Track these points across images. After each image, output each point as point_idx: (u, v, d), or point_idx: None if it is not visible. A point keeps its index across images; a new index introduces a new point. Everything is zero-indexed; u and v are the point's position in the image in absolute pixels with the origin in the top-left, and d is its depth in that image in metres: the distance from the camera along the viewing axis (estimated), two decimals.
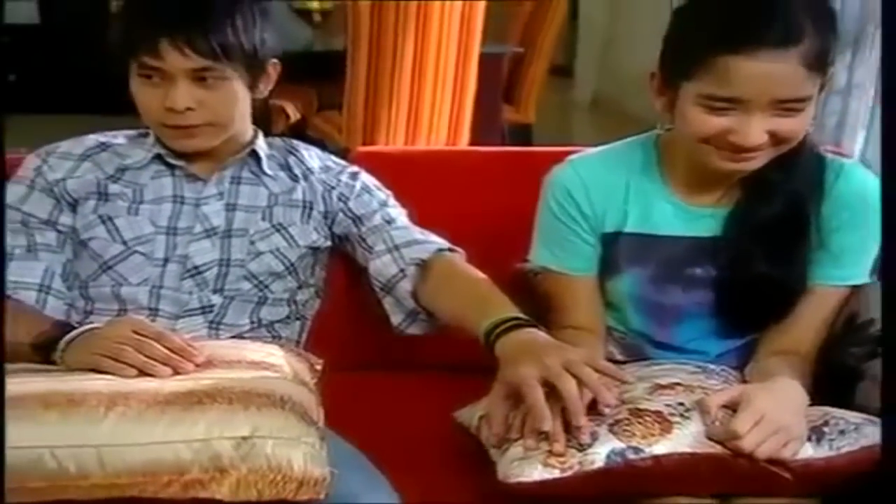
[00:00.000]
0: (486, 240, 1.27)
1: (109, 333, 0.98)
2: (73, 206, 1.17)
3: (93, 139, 1.23)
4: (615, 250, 1.12)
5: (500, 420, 0.93)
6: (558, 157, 1.18)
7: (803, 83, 0.94)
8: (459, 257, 1.19)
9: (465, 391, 1.08)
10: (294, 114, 3.15)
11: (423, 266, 1.16)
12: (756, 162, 1.00)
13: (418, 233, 1.21)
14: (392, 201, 1.27)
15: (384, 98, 2.76)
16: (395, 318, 1.19)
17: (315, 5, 3.50)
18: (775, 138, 0.97)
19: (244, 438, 0.83)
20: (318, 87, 3.13)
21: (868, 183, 1.09)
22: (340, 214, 1.24)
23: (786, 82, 0.94)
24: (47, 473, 0.82)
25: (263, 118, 1.27)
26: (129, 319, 1.03)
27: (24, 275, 1.13)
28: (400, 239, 1.19)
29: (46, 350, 1.01)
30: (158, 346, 0.95)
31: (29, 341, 1.02)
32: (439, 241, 1.20)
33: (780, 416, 0.89)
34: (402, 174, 1.38)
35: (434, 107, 2.83)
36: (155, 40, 1.07)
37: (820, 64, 0.95)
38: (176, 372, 0.94)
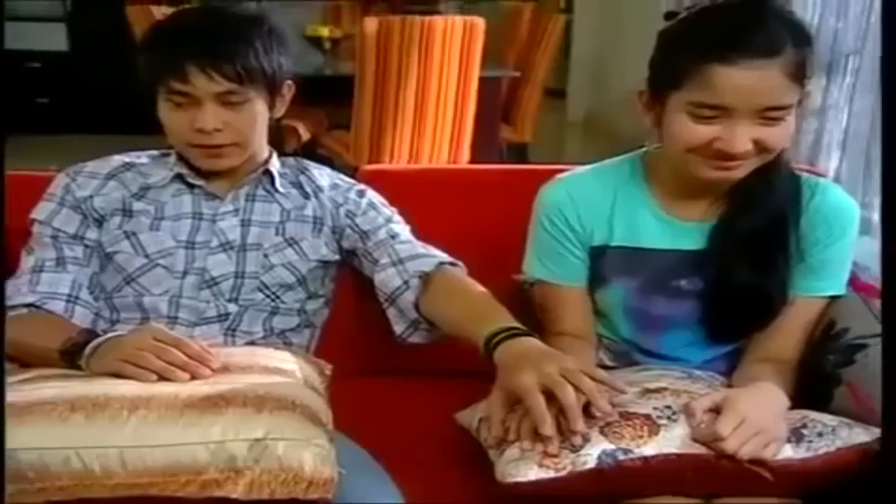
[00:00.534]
0: (484, 252, 1.27)
1: (131, 341, 0.97)
2: (100, 221, 1.18)
3: (118, 159, 1.24)
4: (603, 263, 1.12)
5: (498, 423, 0.93)
6: (553, 175, 1.18)
7: (785, 92, 0.95)
8: (460, 270, 1.19)
9: (464, 395, 1.08)
10: (305, 133, 3.17)
11: (426, 279, 1.15)
12: (740, 171, 0.99)
13: (421, 247, 1.21)
14: (397, 217, 1.27)
15: (389, 119, 2.77)
16: (399, 328, 1.18)
17: (325, 33, 3.53)
18: (759, 146, 0.97)
19: (257, 440, 0.83)
20: (328, 109, 3.15)
21: (843, 200, 1.09)
22: (348, 230, 1.24)
23: (768, 90, 0.94)
24: (74, 473, 0.82)
25: (274, 138, 1.28)
26: (150, 327, 1.03)
27: (53, 286, 1.13)
28: (404, 253, 1.19)
29: (73, 356, 1.00)
30: (177, 353, 0.95)
31: (57, 348, 1.02)
32: (441, 255, 1.19)
33: (761, 419, 0.89)
34: (406, 191, 1.38)
35: (436, 127, 2.85)
36: (183, 66, 1.07)
37: (799, 74, 0.96)
38: (194, 377, 0.94)
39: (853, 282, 1.12)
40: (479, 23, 2.77)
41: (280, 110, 1.21)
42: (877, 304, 1.08)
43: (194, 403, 0.87)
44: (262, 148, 1.22)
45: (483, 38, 2.77)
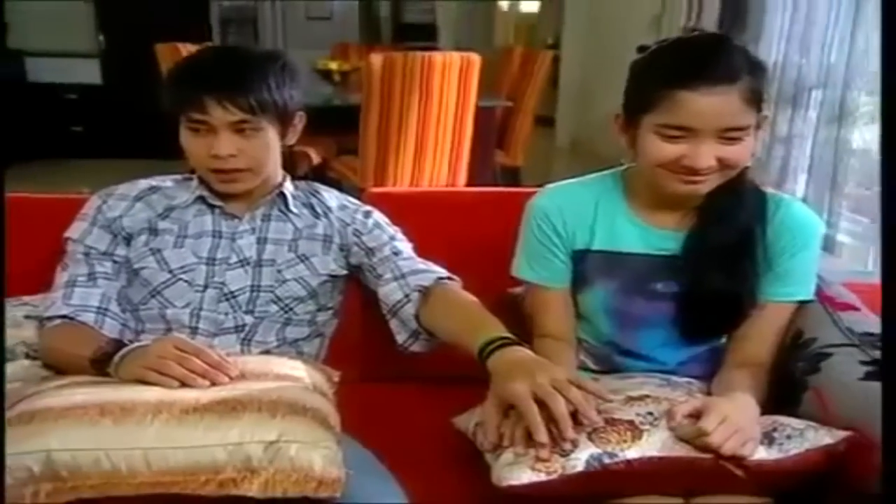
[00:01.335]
0: (480, 267, 1.26)
1: (155, 350, 0.97)
2: (128, 239, 1.18)
3: (145, 183, 1.24)
4: (585, 266, 1.12)
5: (493, 429, 0.92)
6: None
7: (742, 115, 0.97)
8: (456, 285, 1.18)
9: (461, 399, 1.07)
10: (316, 158, 3.17)
11: (425, 292, 1.15)
12: (705, 186, 1.01)
13: (421, 263, 1.21)
14: (400, 236, 1.27)
15: (393, 145, 2.78)
16: (400, 337, 1.18)
17: (335, 67, 3.54)
18: (722, 163, 0.99)
19: (272, 443, 0.83)
20: (337, 136, 3.16)
21: (805, 214, 1.11)
22: (355, 247, 1.24)
23: (728, 113, 0.96)
24: (103, 472, 0.81)
25: (288, 163, 1.28)
26: (173, 338, 1.03)
27: (85, 300, 1.13)
28: (405, 268, 1.19)
29: (102, 364, 1.00)
30: (198, 361, 0.94)
31: (88, 356, 1.02)
32: (439, 271, 1.19)
33: (740, 420, 0.89)
34: (408, 211, 1.37)
35: (436, 152, 2.85)
36: (201, 98, 1.08)
37: (755, 100, 0.98)
38: (213, 383, 0.94)
39: (819, 295, 1.12)
40: (475, 58, 2.78)
41: (292, 139, 1.21)
42: (841, 316, 1.09)
43: (213, 408, 0.87)
44: (275, 172, 1.22)
45: (478, 71, 2.78)
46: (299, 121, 1.21)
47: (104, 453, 0.81)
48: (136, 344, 1.02)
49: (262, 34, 5.26)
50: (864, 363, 0.98)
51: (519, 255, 1.17)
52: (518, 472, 0.87)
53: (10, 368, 1.13)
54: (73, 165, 4.83)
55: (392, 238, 1.25)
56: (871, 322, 1.07)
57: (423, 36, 5.59)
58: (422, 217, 1.38)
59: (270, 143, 1.15)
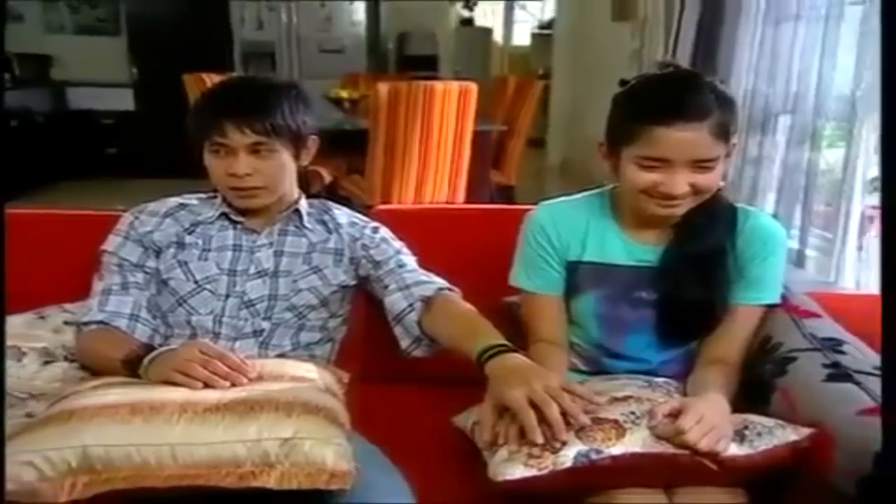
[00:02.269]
0: (477, 277, 1.26)
1: (182, 353, 0.97)
2: (158, 252, 1.18)
3: (174, 200, 1.24)
4: (577, 276, 1.12)
5: (489, 428, 0.92)
6: None
7: (712, 147, 0.98)
8: (457, 295, 1.18)
9: (461, 400, 1.07)
10: (328, 177, 3.17)
11: (427, 302, 1.15)
12: (681, 209, 1.03)
13: (424, 275, 1.20)
14: (405, 250, 1.26)
15: (398, 165, 2.78)
16: (404, 343, 1.18)
17: (345, 94, 3.55)
18: (694, 188, 1.01)
19: (287, 439, 0.83)
20: (346, 157, 3.16)
21: (771, 224, 1.12)
22: (363, 260, 1.24)
23: (699, 146, 0.98)
24: (134, 465, 0.81)
25: (302, 182, 1.28)
26: (198, 342, 1.03)
27: (118, 307, 1.13)
28: (410, 280, 1.19)
29: (133, 366, 1.00)
30: (220, 364, 0.95)
31: (120, 358, 1.02)
32: (441, 282, 1.19)
33: (714, 419, 0.89)
34: (412, 226, 1.37)
35: (437, 172, 2.85)
36: (222, 123, 1.09)
37: (724, 134, 1.00)
38: (233, 385, 0.94)
39: (785, 304, 1.12)
40: (472, 87, 2.79)
41: (305, 160, 1.21)
42: (805, 323, 1.09)
43: (234, 407, 0.87)
44: (291, 191, 1.22)
45: (475, 99, 2.79)
46: (312, 144, 1.21)
47: (135, 448, 0.81)
48: (164, 348, 1.03)
49: (280, 65, 5.28)
50: (825, 366, 0.98)
51: (517, 265, 1.17)
52: (512, 468, 0.87)
53: (52, 370, 1.13)
54: (108, 184, 4.83)
55: (398, 252, 1.25)
56: (832, 328, 1.07)
57: (425, 66, 5.61)
58: (424, 231, 1.37)
59: (285, 163, 1.15)
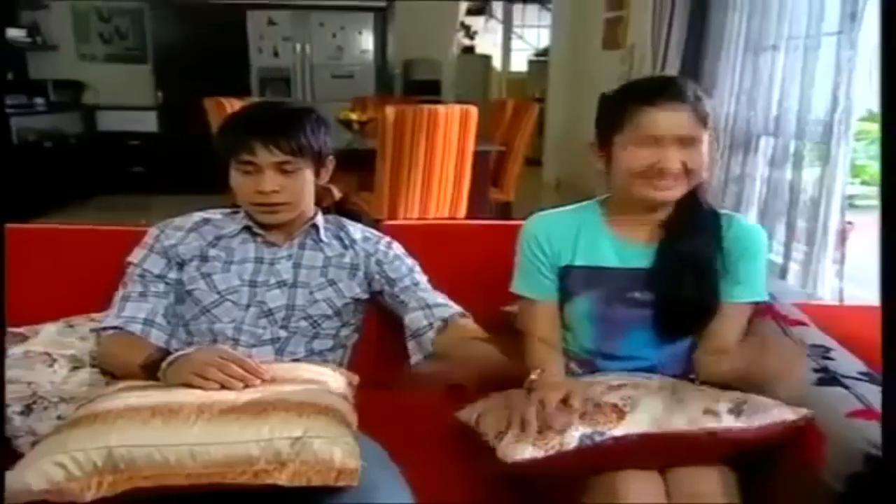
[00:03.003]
0: (477, 287, 1.26)
1: (199, 357, 0.97)
2: (181, 265, 1.18)
3: (198, 216, 1.24)
4: (570, 280, 1.11)
5: (499, 418, 0.94)
6: None
7: (695, 127, 1.02)
8: (470, 320, 1.18)
9: (462, 403, 1.07)
10: (338, 193, 3.16)
11: (445, 322, 1.15)
12: (673, 192, 1.04)
13: (440, 296, 1.20)
14: (417, 268, 1.25)
15: (403, 183, 2.78)
16: (415, 358, 1.16)
17: (354, 117, 3.56)
18: (685, 167, 1.02)
19: (298, 438, 0.82)
20: (356, 175, 3.16)
21: (752, 227, 1.13)
22: (377, 276, 1.23)
23: (684, 124, 1.01)
24: (155, 464, 0.81)
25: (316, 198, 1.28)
26: (216, 347, 1.03)
27: (134, 313, 1.13)
28: (430, 300, 1.19)
29: (151, 369, 1.00)
30: (236, 368, 0.94)
31: (139, 362, 1.02)
32: (457, 307, 1.19)
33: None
34: (417, 239, 1.38)
35: (440, 189, 2.86)
36: (251, 142, 1.09)
37: (702, 118, 1.02)
38: (247, 386, 0.93)
39: (775, 313, 1.13)
40: (473, 110, 2.80)
41: (324, 178, 1.21)
42: (793, 330, 1.10)
43: (247, 409, 0.87)
44: (309, 207, 1.22)
45: (476, 121, 2.80)
46: (330, 163, 1.21)
47: (156, 449, 0.81)
48: (182, 352, 1.02)
49: (294, 90, 5.32)
50: (815, 371, 0.98)
51: (515, 274, 1.16)
52: (521, 450, 0.87)
53: (80, 375, 1.13)
54: (134, 200, 4.86)
55: (411, 270, 1.24)
56: (819, 336, 1.08)
57: (429, 91, 5.64)
58: (428, 244, 1.38)
59: (307, 181, 1.16)
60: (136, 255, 1.19)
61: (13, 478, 0.79)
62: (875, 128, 1.90)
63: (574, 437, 0.87)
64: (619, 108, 1.04)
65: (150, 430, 0.83)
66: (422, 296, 1.19)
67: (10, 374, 1.06)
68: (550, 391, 0.92)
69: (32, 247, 1.33)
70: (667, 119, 1.00)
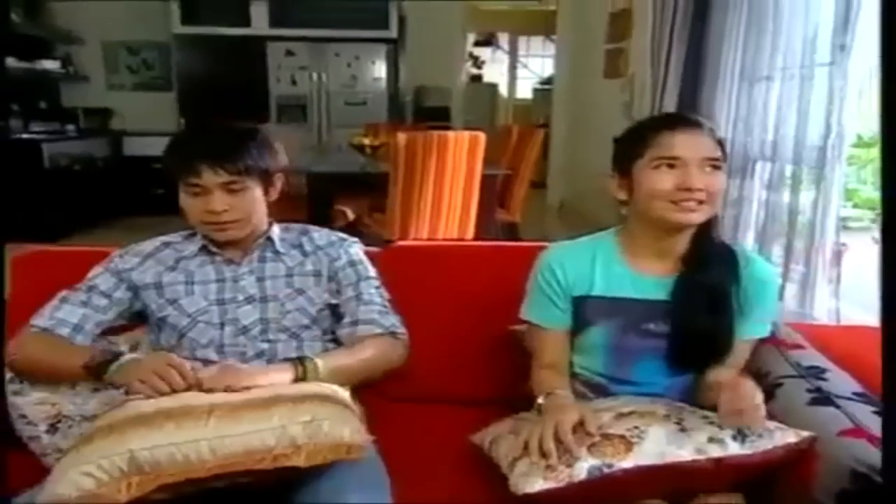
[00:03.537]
0: (485, 307, 1.27)
1: (147, 364, 0.97)
2: (134, 290, 1.16)
3: (159, 240, 1.21)
4: (586, 309, 1.09)
5: (511, 445, 0.95)
6: (537, 249, 1.16)
7: (714, 149, 1.02)
8: (389, 341, 1.15)
9: (473, 416, 1.07)
10: (351, 214, 3.19)
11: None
12: (696, 215, 1.01)
13: (377, 311, 1.17)
14: (372, 278, 1.21)
15: (414, 205, 2.79)
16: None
17: (367, 142, 3.58)
18: (707, 192, 1.00)
19: (308, 422, 0.85)
20: (369, 197, 3.18)
21: (768, 269, 1.12)
22: (335, 281, 1.20)
23: (705, 145, 1.01)
24: (178, 463, 0.83)
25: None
26: (164, 354, 1.02)
27: (67, 317, 1.11)
28: (362, 316, 1.16)
29: (96, 371, 1.01)
30: (178, 377, 0.94)
31: (82, 364, 1.02)
32: (388, 326, 1.16)
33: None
34: (427, 260, 1.40)
35: (449, 210, 2.86)
36: (196, 165, 1.07)
37: (720, 143, 1.03)
38: (234, 391, 0.93)
39: (774, 339, 1.13)
40: (481, 135, 2.82)
41: (273, 195, 1.18)
42: (790, 354, 1.11)
43: (255, 404, 0.89)
44: (262, 222, 1.18)
45: (483, 146, 2.82)
46: (279, 180, 1.18)
47: (175, 447, 0.83)
48: (131, 356, 1.03)
49: (311, 116, 5.39)
50: (809, 391, 0.99)
51: (526, 300, 1.14)
52: (532, 481, 0.87)
53: (99, 396, 1.10)
54: (156, 221, 4.91)
55: (359, 279, 1.19)
56: (815, 358, 1.09)
57: (439, 117, 5.69)
58: (437, 264, 1.39)
59: (256, 199, 1.13)
60: (91, 272, 1.17)
61: (45, 493, 0.81)
62: (865, 153, 1.91)
63: (583, 468, 0.87)
64: (637, 137, 1.04)
65: (166, 432, 0.84)
66: (356, 309, 1.16)
67: (36, 395, 1.09)
68: (563, 415, 0.92)
69: (58, 268, 1.30)
70: (688, 140, 1.01)
